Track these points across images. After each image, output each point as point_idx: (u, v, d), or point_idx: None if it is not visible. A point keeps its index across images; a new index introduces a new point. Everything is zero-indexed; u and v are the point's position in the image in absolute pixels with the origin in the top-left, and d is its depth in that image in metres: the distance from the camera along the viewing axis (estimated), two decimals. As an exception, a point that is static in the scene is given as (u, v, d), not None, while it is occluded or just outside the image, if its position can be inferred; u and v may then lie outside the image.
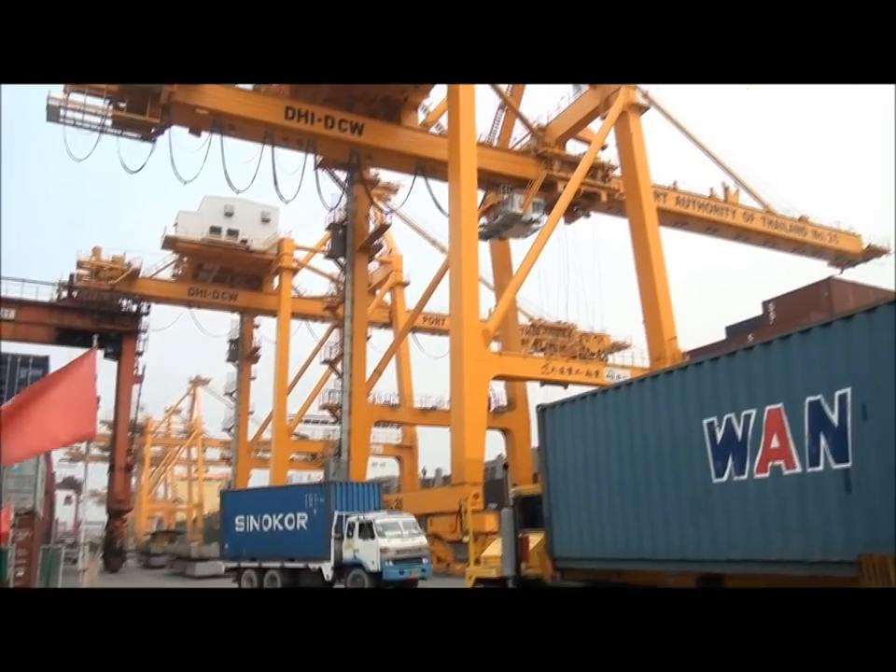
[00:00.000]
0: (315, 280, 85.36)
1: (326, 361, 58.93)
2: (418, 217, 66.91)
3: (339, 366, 54.41)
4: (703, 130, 53.80)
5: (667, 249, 45.82)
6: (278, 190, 43.08)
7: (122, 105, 40.36)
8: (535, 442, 29.97)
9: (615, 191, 48.43)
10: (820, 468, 9.94)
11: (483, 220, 48.74)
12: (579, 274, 52.63)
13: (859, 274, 56.52)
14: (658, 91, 49.12)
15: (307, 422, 71.29)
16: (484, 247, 51.13)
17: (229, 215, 63.79)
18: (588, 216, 50.51)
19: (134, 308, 57.52)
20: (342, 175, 51.72)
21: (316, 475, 69.00)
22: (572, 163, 48.02)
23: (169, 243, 62.64)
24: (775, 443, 10.56)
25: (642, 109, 47.27)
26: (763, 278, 68.91)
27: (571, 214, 49.60)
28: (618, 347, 59.41)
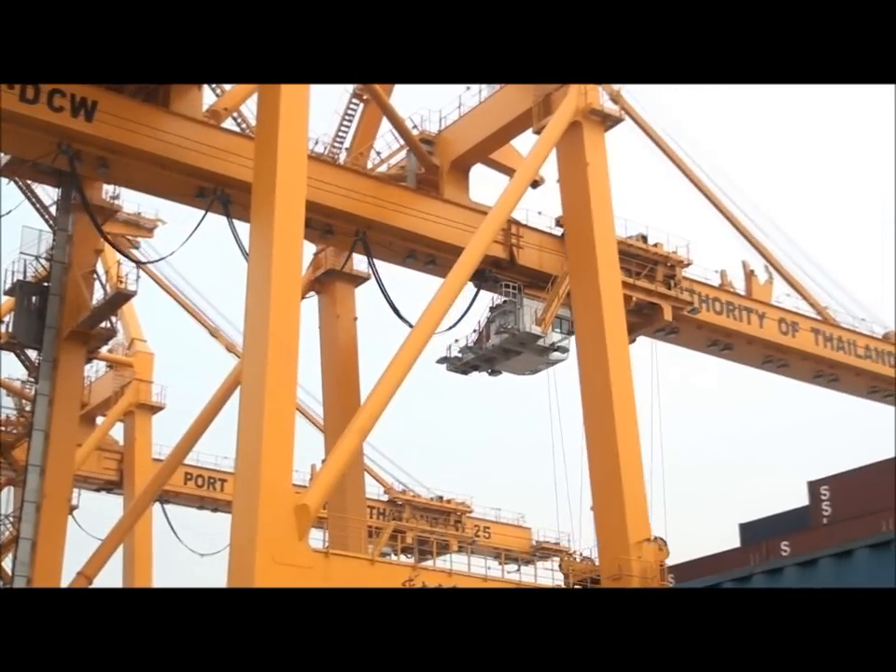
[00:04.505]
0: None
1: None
2: (189, 285, 45.44)
3: (6, 562, 32.32)
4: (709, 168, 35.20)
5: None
6: None
7: None
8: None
9: (684, 304, 32.68)
10: None
11: (455, 344, 31.11)
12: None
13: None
14: (633, 93, 31.88)
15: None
16: (311, 347, 33.01)
17: None
18: (633, 340, 32.76)
19: None
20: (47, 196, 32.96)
21: None
22: (635, 256, 31.95)
23: None
24: None
25: (609, 121, 29.89)
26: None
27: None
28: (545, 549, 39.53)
